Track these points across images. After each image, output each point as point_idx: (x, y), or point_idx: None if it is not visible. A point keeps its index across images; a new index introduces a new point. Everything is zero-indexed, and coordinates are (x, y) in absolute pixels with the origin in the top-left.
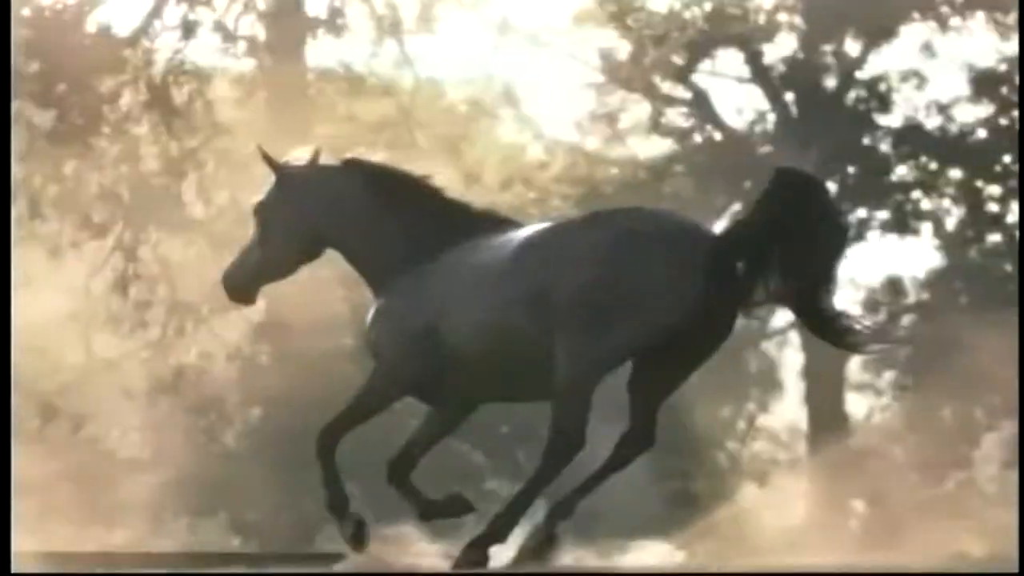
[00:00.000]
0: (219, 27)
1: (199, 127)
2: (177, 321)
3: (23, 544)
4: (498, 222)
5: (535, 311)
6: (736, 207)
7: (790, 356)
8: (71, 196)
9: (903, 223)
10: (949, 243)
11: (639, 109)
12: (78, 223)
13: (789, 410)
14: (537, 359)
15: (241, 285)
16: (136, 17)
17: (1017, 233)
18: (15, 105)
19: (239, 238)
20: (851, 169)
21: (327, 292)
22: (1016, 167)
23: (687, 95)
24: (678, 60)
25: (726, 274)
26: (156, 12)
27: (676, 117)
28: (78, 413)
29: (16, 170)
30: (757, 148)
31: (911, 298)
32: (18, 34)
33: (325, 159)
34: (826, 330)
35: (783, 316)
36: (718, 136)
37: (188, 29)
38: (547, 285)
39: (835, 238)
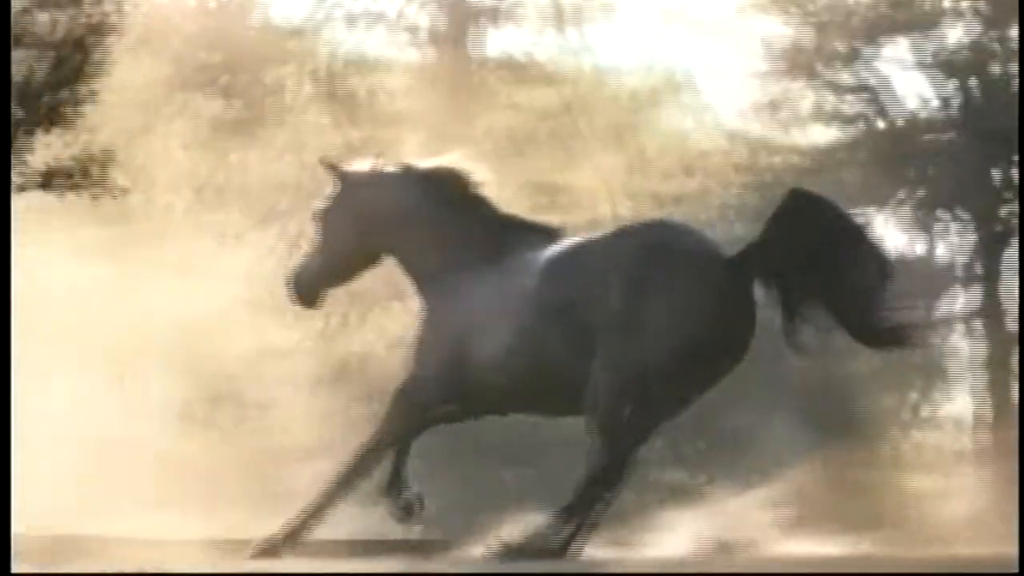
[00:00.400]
0: (387, 17)
1: (366, 117)
2: (343, 310)
3: (193, 531)
4: (541, 234)
5: (563, 332)
6: (900, 195)
7: (956, 345)
8: (237, 186)
9: None
10: None
11: (804, 97)
12: (244, 213)
13: (955, 400)
14: (566, 377)
15: (304, 289)
16: (303, 7)
17: None
18: (183, 95)
19: None
20: (1015, 156)
21: None
22: None
23: (853, 82)
24: (844, 47)
25: (741, 294)
26: (323, 2)
27: (842, 105)
28: (246, 401)
29: (182, 159)
30: (923, 136)
31: None
32: (190, 25)
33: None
34: (884, 342)
35: (950, 303)
36: (884, 124)
37: (355, 20)
38: (575, 304)
39: (871, 261)
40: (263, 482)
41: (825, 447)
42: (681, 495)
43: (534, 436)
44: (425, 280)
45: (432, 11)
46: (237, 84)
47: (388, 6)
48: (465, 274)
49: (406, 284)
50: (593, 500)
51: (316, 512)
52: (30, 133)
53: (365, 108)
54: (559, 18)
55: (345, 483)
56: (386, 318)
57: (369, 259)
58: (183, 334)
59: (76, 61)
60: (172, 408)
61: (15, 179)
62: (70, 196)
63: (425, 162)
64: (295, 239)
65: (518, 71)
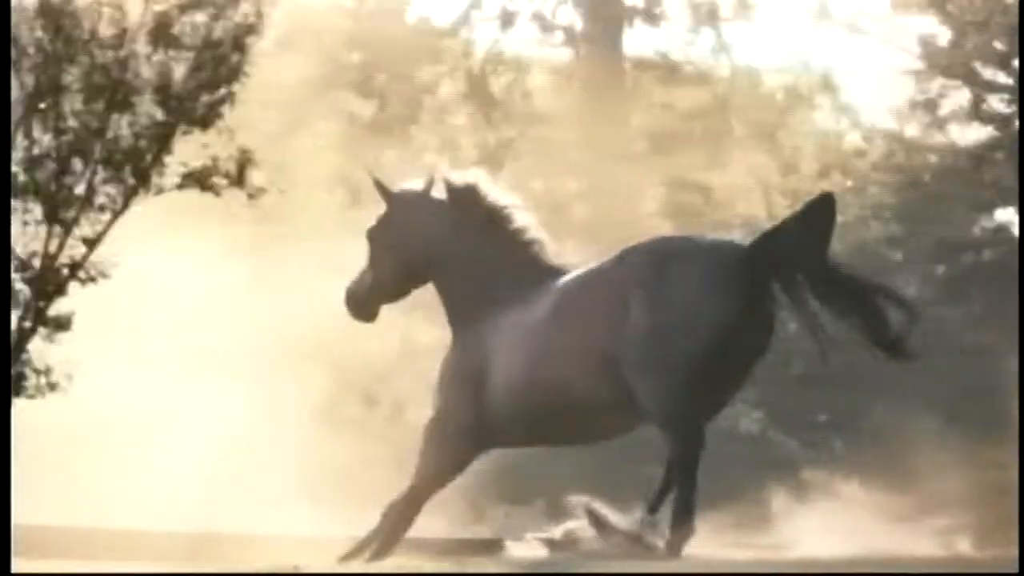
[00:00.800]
0: (537, 17)
1: (516, 116)
2: None
3: (337, 530)
4: (556, 271)
5: (580, 360)
6: None
7: None
8: (390, 185)
9: None
10: None
11: (959, 96)
12: None
13: None
14: (584, 405)
15: (358, 304)
16: (456, 8)
17: None
18: (336, 95)
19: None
20: None
21: None
22: None
23: (1009, 81)
24: (1000, 45)
25: (758, 286)
26: (475, 3)
27: (997, 103)
28: (397, 400)
29: (335, 160)
30: None
31: None
32: (340, 25)
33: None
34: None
35: None
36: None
37: (507, 19)
38: (590, 331)
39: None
40: (408, 481)
41: (972, 447)
42: (824, 494)
43: None
44: (454, 311)
45: (584, 11)
46: (389, 83)
47: (542, 5)
48: (489, 307)
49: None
50: (684, 487)
51: (382, 551)
52: (170, 135)
53: (517, 107)
54: (711, 17)
55: (400, 523)
56: None
57: (415, 280)
58: (328, 333)
59: (227, 62)
60: (318, 407)
61: (156, 180)
62: (216, 195)
63: (457, 178)
64: None
65: (671, 71)
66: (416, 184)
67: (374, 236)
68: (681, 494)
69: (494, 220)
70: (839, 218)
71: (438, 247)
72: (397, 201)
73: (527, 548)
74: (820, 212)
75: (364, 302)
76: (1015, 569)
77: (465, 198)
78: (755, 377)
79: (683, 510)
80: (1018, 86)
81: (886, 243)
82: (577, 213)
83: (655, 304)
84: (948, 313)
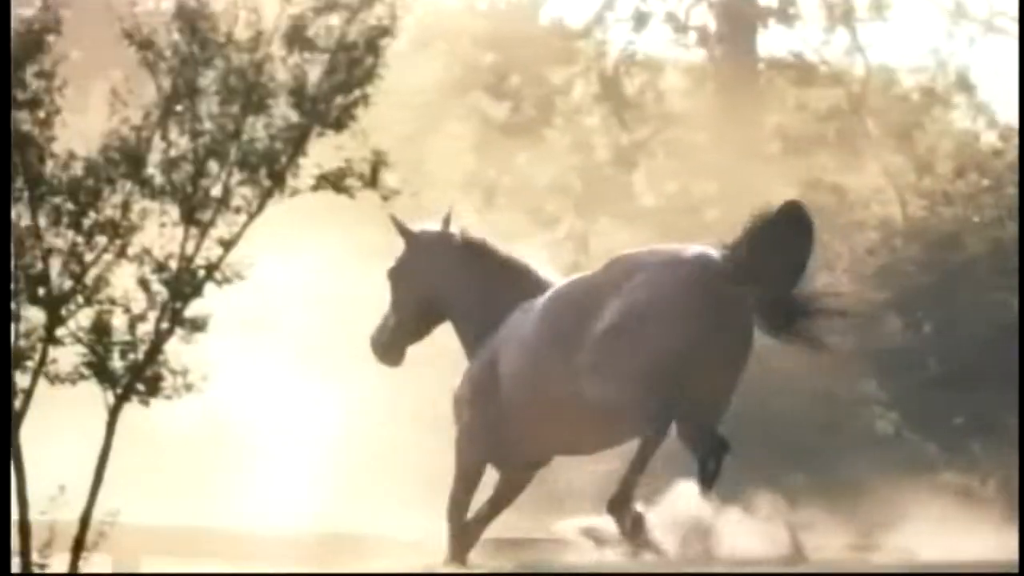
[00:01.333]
0: (671, 18)
1: (650, 117)
2: None
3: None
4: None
5: (559, 353)
6: None
7: None
8: (524, 187)
9: None
10: None
11: None
12: (530, 214)
13: None
14: (579, 410)
15: (383, 349)
16: (589, 8)
17: None
18: (469, 97)
19: (688, 228)
20: None
21: None
22: None
23: None
24: None
25: (725, 298)
26: (609, 4)
27: None
28: None
29: (469, 162)
30: None
31: None
32: (473, 27)
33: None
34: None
35: None
36: None
37: (640, 20)
38: (570, 336)
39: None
40: (539, 481)
41: None
42: (960, 496)
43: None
44: (470, 346)
45: (718, 12)
46: (523, 85)
47: (675, 6)
48: (494, 332)
49: None
50: (630, 474)
51: (455, 556)
52: (305, 137)
53: (651, 108)
54: (846, 17)
55: (460, 527)
56: None
57: (434, 319)
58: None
59: (360, 64)
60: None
61: (290, 182)
62: (350, 197)
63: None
64: (581, 239)
65: (805, 71)
66: (434, 225)
67: (395, 276)
68: (624, 481)
69: (504, 265)
70: (976, 218)
71: (454, 287)
72: (417, 242)
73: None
74: (794, 223)
75: (389, 345)
76: (1015, 569)
77: (479, 247)
78: (889, 378)
79: (621, 498)
80: (1019, 85)
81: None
82: (710, 215)
83: (618, 310)
84: None
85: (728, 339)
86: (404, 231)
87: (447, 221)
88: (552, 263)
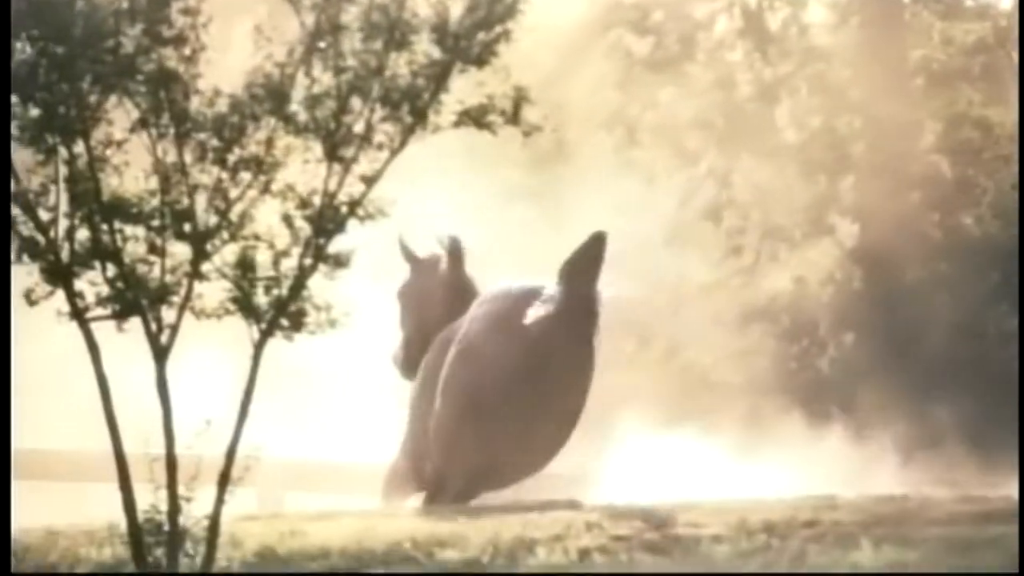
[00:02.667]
0: None
1: (793, 52)
2: (769, 247)
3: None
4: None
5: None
6: None
7: None
8: (666, 124)
9: None
10: None
11: None
12: (672, 150)
13: None
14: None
15: (404, 366)
16: None
17: None
18: (612, 33)
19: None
20: None
21: (921, 217)
22: None
23: None
24: None
25: (541, 330)
26: None
27: None
28: (672, 338)
29: (612, 98)
30: None
31: None
32: None
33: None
34: None
35: None
36: None
37: None
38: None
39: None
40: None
41: None
42: None
43: None
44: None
45: None
46: (665, 20)
47: None
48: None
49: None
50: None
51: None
52: (447, 74)
53: (794, 42)
54: None
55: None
56: (815, 253)
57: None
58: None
59: (502, 0)
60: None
61: (432, 118)
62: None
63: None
64: (723, 177)
65: (951, 5)
66: (439, 250)
67: (400, 296)
68: None
69: (459, 291)
70: None
71: (444, 313)
72: (420, 266)
73: None
74: (591, 251)
75: (407, 363)
76: (1015, 569)
77: (466, 281)
78: None
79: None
80: (1019, 85)
81: None
82: (856, 150)
83: (477, 331)
84: None
85: (551, 369)
86: (409, 255)
87: (455, 250)
88: (693, 199)
